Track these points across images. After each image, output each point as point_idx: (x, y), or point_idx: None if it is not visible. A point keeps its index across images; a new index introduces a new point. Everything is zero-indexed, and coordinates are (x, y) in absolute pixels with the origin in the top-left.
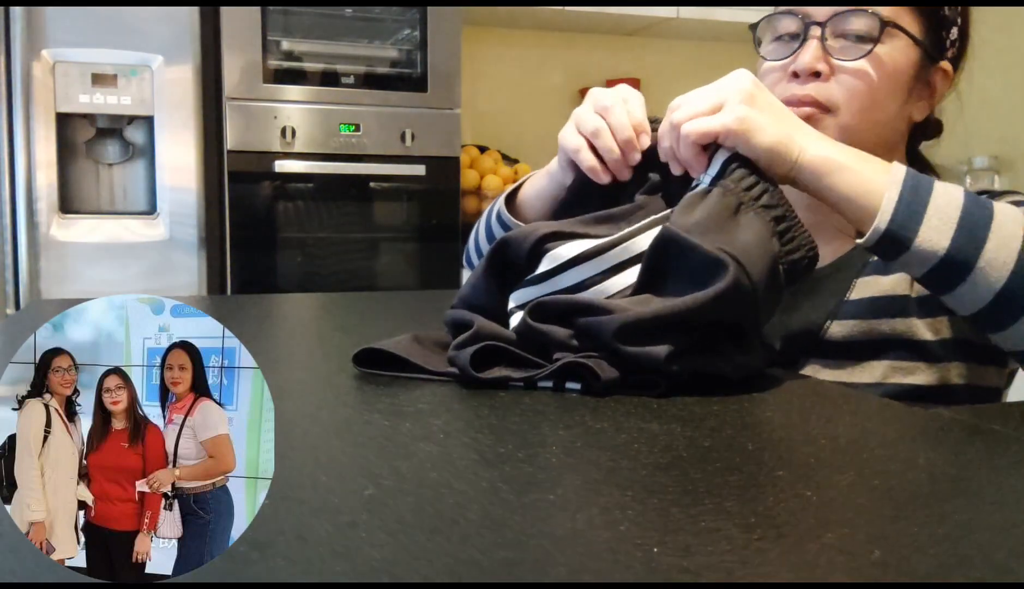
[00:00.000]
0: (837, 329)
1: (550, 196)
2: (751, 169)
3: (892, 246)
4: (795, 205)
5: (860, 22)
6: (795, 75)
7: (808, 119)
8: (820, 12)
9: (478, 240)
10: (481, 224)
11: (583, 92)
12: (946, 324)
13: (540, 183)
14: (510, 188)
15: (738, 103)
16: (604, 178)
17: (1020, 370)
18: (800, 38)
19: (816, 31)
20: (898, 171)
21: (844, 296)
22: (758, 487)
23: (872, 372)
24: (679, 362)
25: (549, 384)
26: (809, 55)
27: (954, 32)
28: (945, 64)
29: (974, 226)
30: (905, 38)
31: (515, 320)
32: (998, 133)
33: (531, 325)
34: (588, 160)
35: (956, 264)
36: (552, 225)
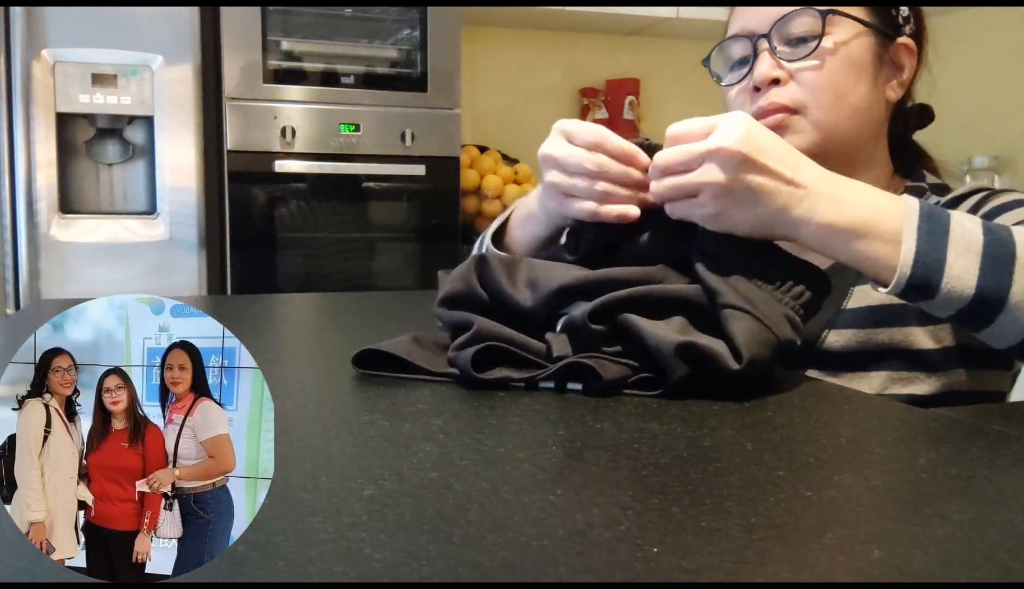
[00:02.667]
0: (834, 339)
1: (545, 238)
2: None
3: (918, 294)
4: None
5: (801, 22)
6: (756, 89)
7: (780, 125)
8: (762, 24)
9: None
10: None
11: (583, 92)
12: (948, 331)
13: (529, 229)
14: (494, 227)
15: (711, 198)
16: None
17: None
18: (752, 56)
19: (764, 44)
20: (911, 212)
21: (841, 305)
22: (758, 487)
23: (871, 383)
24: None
25: (551, 384)
26: (764, 65)
27: (904, 8)
28: (905, 40)
29: (997, 263)
30: (850, 22)
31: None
32: (998, 133)
33: (590, 327)
34: (608, 213)
35: (986, 305)
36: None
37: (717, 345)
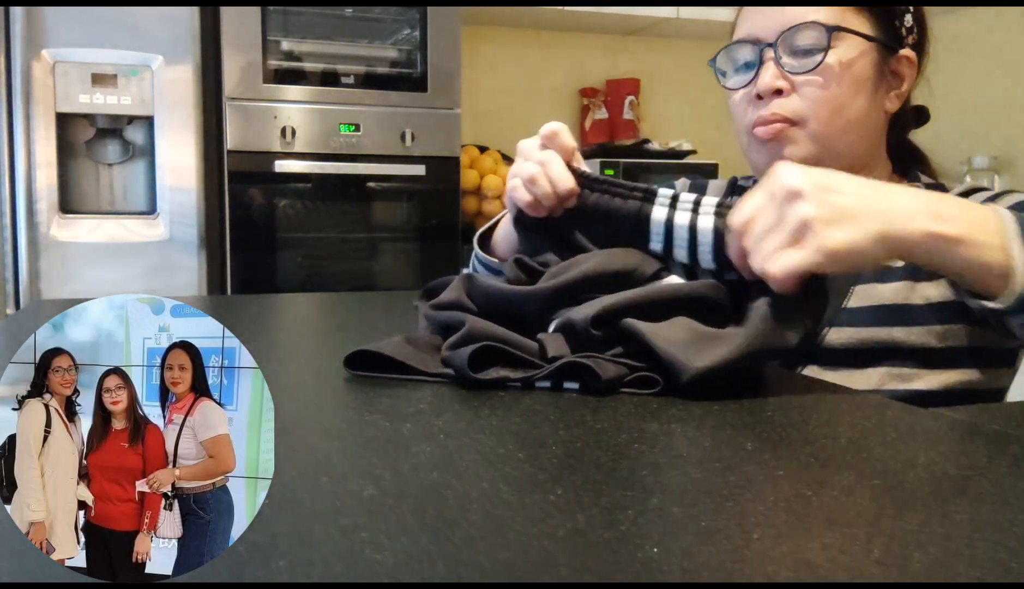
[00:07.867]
0: (835, 336)
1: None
2: None
3: None
4: None
5: (807, 35)
6: (759, 98)
7: (779, 135)
8: (769, 33)
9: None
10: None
11: (583, 92)
12: (952, 331)
13: (508, 228)
14: (482, 229)
15: (820, 233)
16: (539, 212)
17: (1020, 370)
18: (757, 63)
19: (769, 53)
20: (1008, 222)
21: (842, 303)
22: (758, 487)
23: (868, 378)
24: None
25: (547, 384)
26: (768, 75)
27: (908, 19)
28: (907, 52)
29: None
30: (855, 37)
31: (560, 322)
32: (998, 133)
33: (591, 332)
34: (524, 196)
35: None
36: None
37: (737, 338)
